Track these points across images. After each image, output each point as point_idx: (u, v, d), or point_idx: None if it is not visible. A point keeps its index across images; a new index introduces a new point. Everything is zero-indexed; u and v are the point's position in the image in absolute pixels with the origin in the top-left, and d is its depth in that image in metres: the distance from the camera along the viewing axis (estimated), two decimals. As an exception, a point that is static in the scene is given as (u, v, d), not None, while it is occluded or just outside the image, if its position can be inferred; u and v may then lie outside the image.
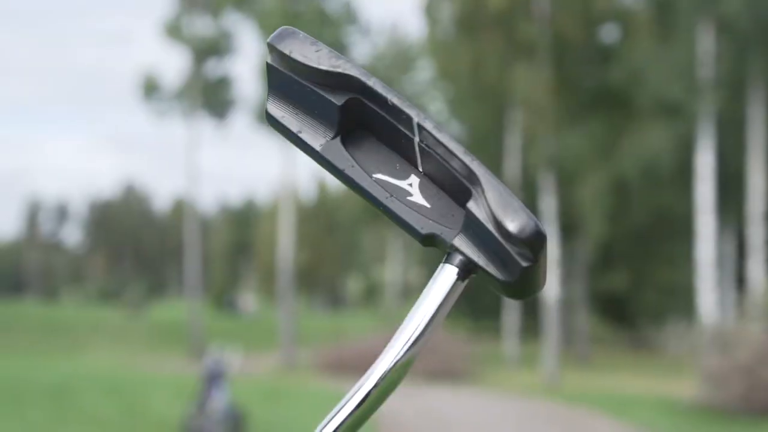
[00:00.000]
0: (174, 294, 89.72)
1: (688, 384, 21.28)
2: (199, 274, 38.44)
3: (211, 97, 38.14)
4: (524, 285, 0.86)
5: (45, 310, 62.49)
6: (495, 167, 32.75)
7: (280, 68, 0.91)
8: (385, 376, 0.87)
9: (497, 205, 0.84)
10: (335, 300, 76.46)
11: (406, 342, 0.87)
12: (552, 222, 27.77)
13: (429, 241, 0.88)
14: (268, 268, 58.53)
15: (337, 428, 0.87)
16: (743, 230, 28.77)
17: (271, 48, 0.91)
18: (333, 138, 0.90)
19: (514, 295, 0.88)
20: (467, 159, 0.86)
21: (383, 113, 0.89)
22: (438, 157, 0.88)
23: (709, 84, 25.02)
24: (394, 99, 0.88)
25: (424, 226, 0.87)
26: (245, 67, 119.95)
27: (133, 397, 18.78)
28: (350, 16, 34.12)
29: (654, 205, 34.56)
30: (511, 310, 31.28)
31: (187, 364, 30.39)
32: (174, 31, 37.41)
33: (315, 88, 0.89)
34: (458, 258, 0.86)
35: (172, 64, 62.77)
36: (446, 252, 0.87)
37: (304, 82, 0.90)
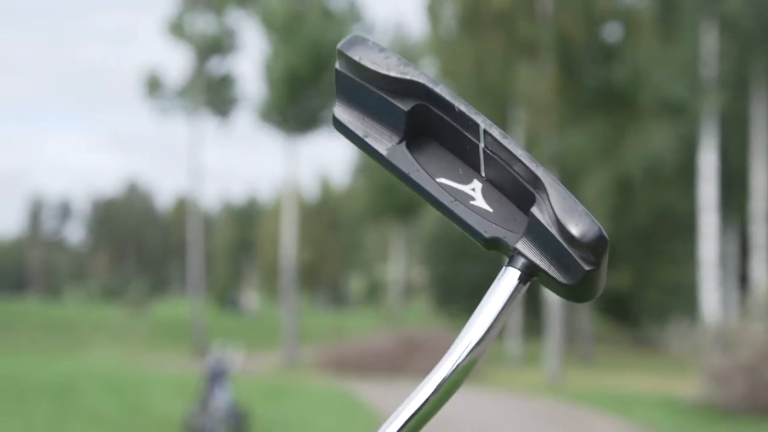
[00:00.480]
0: (176, 292, 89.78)
1: (690, 383, 21.26)
2: (201, 273, 38.45)
3: (214, 95, 38.14)
4: (585, 288, 0.88)
5: (47, 308, 62.53)
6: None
7: (348, 74, 0.93)
8: (447, 379, 0.89)
9: (562, 210, 0.85)
10: (338, 298, 76.49)
11: (468, 345, 0.88)
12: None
13: (492, 244, 0.90)
14: (270, 266, 58.55)
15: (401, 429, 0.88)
16: (746, 229, 28.75)
17: (340, 54, 0.94)
18: (399, 143, 0.92)
19: (574, 298, 0.90)
20: (532, 165, 0.88)
21: (449, 119, 0.91)
22: (502, 162, 0.89)
23: (712, 83, 25.00)
24: (461, 106, 0.90)
25: (488, 230, 0.89)
26: (248, 65, 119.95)
27: (136, 396, 18.78)
28: (354, 15, 34.11)
29: (657, 204, 34.55)
30: (514, 309, 31.23)
31: (189, 362, 30.40)
32: (177, 28, 37.40)
33: (383, 94, 0.91)
34: (521, 261, 0.88)
35: (176, 62, 62.79)
36: (509, 255, 0.89)
37: (372, 88, 0.92)
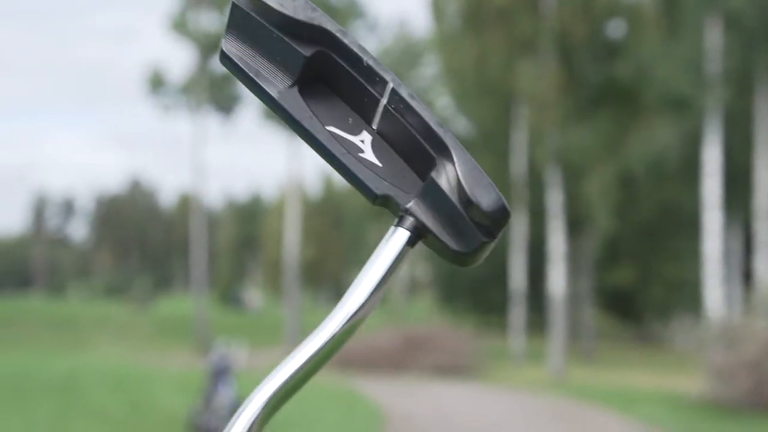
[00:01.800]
0: (180, 289, 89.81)
1: (694, 379, 21.25)
2: (205, 270, 38.47)
3: (217, 92, 38.17)
4: (476, 257, 0.87)
5: (51, 305, 62.62)
6: (502, 163, 32.74)
7: (246, 10, 0.90)
8: (333, 337, 0.87)
9: (468, 179, 0.84)
10: (341, 295, 75.55)
11: (351, 308, 0.87)
12: (558, 217, 27.74)
13: (381, 201, 0.88)
14: (273, 263, 58.55)
15: (283, 384, 0.88)
16: (750, 225, 28.70)
17: None
18: (291, 86, 0.89)
19: (460, 264, 0.88)
20: (440, 131, 0.86)
21: (352, 71, 0.88)
22: (404, 122, 0.87)
23: (716, 79, 24.96)
24: (369, 60, 0.88)
25: (379, 187, 0.87)
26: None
27: (139, 393, 18.79)
28: (356, 10, 34.10)
29: (660, 200, 34.52)
30: (518, 306, 31.24)
31: (193, 359, 30.42)
32: (180, 26, 37.42)
33: (284, 36, 0.88)
34: (410, 222, 0.86)
35: (178, 60, 62.85)
36: (398, 215, 0.87)
37: (272, 29, 0.88)
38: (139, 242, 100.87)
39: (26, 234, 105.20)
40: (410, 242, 0.87)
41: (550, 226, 28.11)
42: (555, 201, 27.82)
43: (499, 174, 33.00)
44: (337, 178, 68.18)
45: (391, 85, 0.87)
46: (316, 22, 0.88)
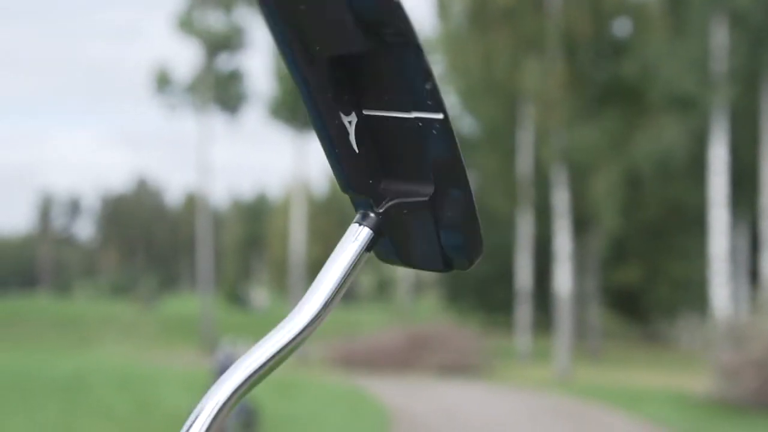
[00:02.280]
0: (186, 288, 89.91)
1: (701, 378, 21.22)
2: (210, 268, 38.49)
3: (222, 91, 38.19)
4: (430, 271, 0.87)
5: (57, 304, 62.69)
6: (507, 161, 32.73)
7: None
8: (310, 323, 0.86)
9: (461, 220, 0.82)
10: (347, 295, 75.81)
11: (320, 305, 0.86)
12: (564, 216, 27.71)
13: (353, 198, 0.87)
14: (279, 262, 58.61)
15: (245, 380, 0.89)
16: (756, 224, 28.66)
17: None
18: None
19: (411, 268, 0.89)
20: (462, 165, 0.82)
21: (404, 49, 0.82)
22: (426, 139, 0.83)
23: (722, 77, 24.93)
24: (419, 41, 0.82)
25: (358, 185, 0.86)
26: (257, 61, 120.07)
27: (145, 391, 18.81)
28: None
29: (667, 198, 34.49)
30: (524, 305, 31.22)
31: (198, 358, 30.44)
32: (186, 25, 37.45)
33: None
34: (371, 222, 0.86)
35: (184, 59, 62.89)
36: (364, 212, 0.86)
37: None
38: (145, 241, 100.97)
39: (32, 233, 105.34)
40: (368, 247, 0.86)
41: (556, 225, 28.09)
42: (561, 200, 27.79)
43: (505, 173, 33.00)
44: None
45: (440, 116, 0.81)
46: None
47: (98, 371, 23.02)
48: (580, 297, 34.19)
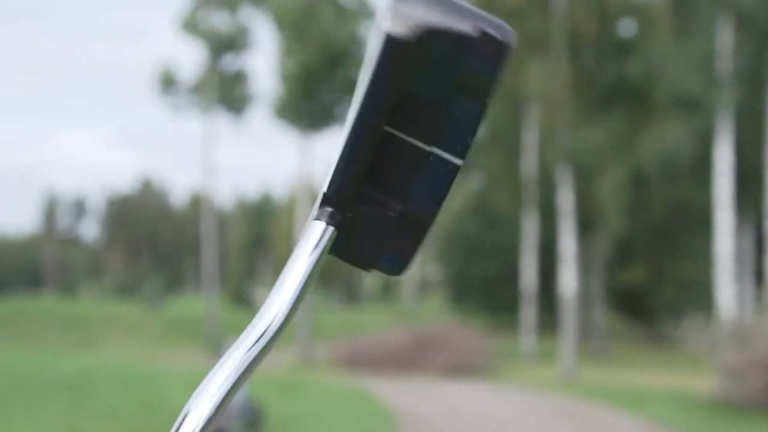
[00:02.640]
0: (191, 289, 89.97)
1: (706, 379, 21.20)
2: (215, 269, 38.51)
3: (227, 91, 38.21)
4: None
5: (62, 304, 62.74)
6: (512, 162, 32.72)
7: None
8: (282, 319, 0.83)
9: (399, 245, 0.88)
10: (352, 295, 76.51)
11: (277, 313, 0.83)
12: (569, 216, 27.69)
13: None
14: (284, 262, 58.43)
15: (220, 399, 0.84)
16: (762, 224, 28.62)
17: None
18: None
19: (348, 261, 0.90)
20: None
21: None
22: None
23: (728, 78, 24.89)
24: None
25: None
26: (262, 61, 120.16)
27: (150, 392, 18.82)
28: (366, 11, 34.08)
29: (672, 199, 34.47)
30: (529, 305, 31.21)
31: (203, 358, 30.46)
32: (190, 25, 37.48)
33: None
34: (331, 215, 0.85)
35: (189, 59, 62.95)
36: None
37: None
38: (150, 242, 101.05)
39: (37, 234, 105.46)
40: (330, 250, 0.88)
41: (561, 226, 28.07)
42: (566, 200, 27.77)
43: (510, 173, 32.99)
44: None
45: (459, 162, 0.82)
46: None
47: (103, 371, 23.04)
48: (585, 297, 34.17)
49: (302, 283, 0.84)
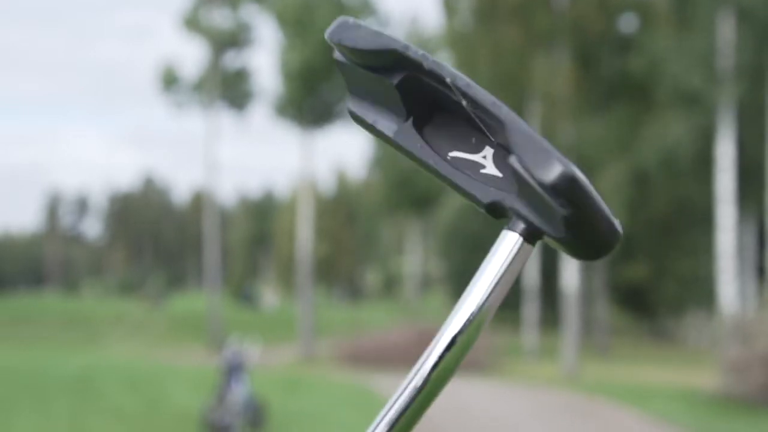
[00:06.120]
0: (193, 286, 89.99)
1: (708, 374, 21.21)
2: (218, 267, 38.54)
3: (229, 89, 38.21)
4: (581, 239, 0.79)
5: (65, 302, 62.79)
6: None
7: (344, 61, 0.88)
8: (452, 344, 0.86)
9: (524, 153, 0.77)
10: (354, 292, 76.52)
11: (466, 314, 0.84)
12: (571, 213, 27.64)
13: (493, 210, 0.84)
14: (286, 260, 58.62)
15: (406, 408, 0.83)
16: (763, 220, 28.62)
17: (330, 42, 0.88)
18: (405, 121, 0.87)
19: (580, 254, 0.81)
20: (496, 109, 0.80)
21: (436, 85, 0.84)
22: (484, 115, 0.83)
23: (729, 74, 24.88)
24: (431, 65, 0.83)
25: (486, 195, 0.83)
26: (264, 58, 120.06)
27: (153, 389, 18.85)
28: (368, 7, 34.08)
29: (674, 195, 34.45)
30: (531, 302, 31.23)
31: (206, 356, 30.48)
32: (192, 23, 37.47)
33: (373, 73, 0.86)
34: (517, 222, 0.82)
35: (191, 57, 62.95)
36: (511, 218, 0.83)
37: (364, 70, 0.87)
38: (153, 239, 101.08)
39: (40, 232, 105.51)
40: (528, 241, 0.81)
41: (563, 222, 28.03)
42: (568, 196, 27.73)
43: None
44: (351, 174, 68.26)
45: (448, 80, 0.82)
46: (382, 47, 0.84)
47: (107, 370, 23.08)
48: (587, 294, 34.18)
49: (485, 291, 0.83)
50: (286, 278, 61.43)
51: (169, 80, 38.26)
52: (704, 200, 29.26)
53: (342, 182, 66.71)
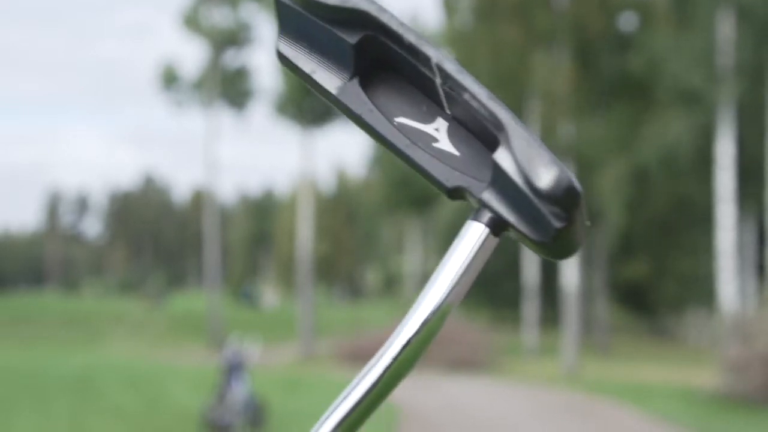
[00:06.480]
0: (193, 285, 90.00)
1: (708, 373, 21.21)
2: (218, 266, 38.53)
3: (229, 87, 38.20)
4: (561, 246, 0.77)
5: (66, 301, 62.80)
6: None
7: (290, 4, 0.84)
8: (409, 342, 0.80)
9: (524, 157, 0.75)
10: (354, 291, 76.53)
11: (430, 305, 0.78)
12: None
13: (456, 194, 0.80)
14: (286, 259, 58.62)
15: (367, 392, 0.81)
16: (763, 218, 28.62)
17: None
18: (350, 79, 0.82)
19: (550, 255, 0.79)
20: (492, 104, 0.77)
21: (402, 52, 0.81)
22: (463, 100, 0.79)
23: (729, 72, 24.88)
24: (410, 37, 0.80)
25: (450, 178, 0.79)
26: (264, 58, 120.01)
27: (154, 389, 18.85)
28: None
29: (674, 193, 34.44)
30: (531, 300, 31.23)
31: (206, 355, 30.49)
32: (192, 22, 37.46)
33: (327, 26, 0.82)
34: (485, 213, 0.78)
35: (191, 56, 62.96)
36: (475, 207, 0.79)
37: (315, 20, 0.82)
38: (153, 239, 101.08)
39: (40, 231, 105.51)
40: (494, 233, 0.78)
41: (563, 221, 28.03)
42: (568, 195, 27.73)
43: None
44: (351, 173, 68.25)
45: (434, 60, 0.79)
46: (350, 5, 0.80)
47: (107, 369, 23.09)
48: (587, 292, 34.18)
49: (448, 283, 0.79)
50: (286, 277, 61.44)
51: (169, 79, 38.26)
52: (704, 199, 29.26)
53: (342, 181, 66.72)
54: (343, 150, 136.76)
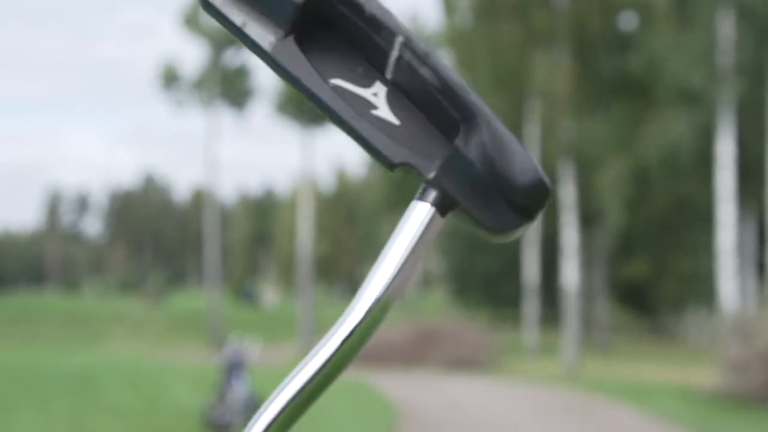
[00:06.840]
0: (194, 284, 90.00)
1: (708, 372, 21.20)
2: (218, 265, 38.53)
3: (229, 87, 38.22)
4: (512, 234, 0.76)
5: (66, 301, 62.80)
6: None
7: None
8: (356, 327, 0.77)
9: (497, 150, 0.72)
10: (354, 290, 76.25)
11: (377, 288, 0.77)
12: (571, 210, 27.69)
13: (400, 170, 0.76)
14: (286, 258, 58.62)
15: (306, 383, 0.80)
16: (764, 218, 28.61)
17: None
18: (285, 36, 0.75)
19: (495, 239, 0.77)
20: (464, 92, 0.74)
21: (356, 19, 0.75)
22: (422, 77, 0.75)
23: (729, 71, 24.86)
24: (374, 9, 0.75)
25: (396, 154, 0.75)
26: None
27: (154, 388, 18.85)
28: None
29: (674, 193, 34.41)
30: (531, 299, 31.21)
31: (206, 354, 30.49)
32: (192, 22, 37.48)
33: None
34: (434, 194, 0.74)
35: (191, 56, 62.97)
36: (422, 186, 0.75)
37: None
38: (153, 238, 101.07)
39: (41, 230, 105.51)
40: (438, 215, 0.74)
41: (563, 220, 28.08)
42: (568, 194, 27.77)
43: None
44: (351, 173, 68.23)
45: (401, 39, 0.74)
46: None
47: (107, 368, 23.08)
48: (587, 291, 34.17)
49: (396, 264, 0.76)
50: (287, 276, 61.43)
51: (169, 79, 38.27)
52: (704, 198, 29.24)
53: (342, 181, 66.68)
54: (343, 149, 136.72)
